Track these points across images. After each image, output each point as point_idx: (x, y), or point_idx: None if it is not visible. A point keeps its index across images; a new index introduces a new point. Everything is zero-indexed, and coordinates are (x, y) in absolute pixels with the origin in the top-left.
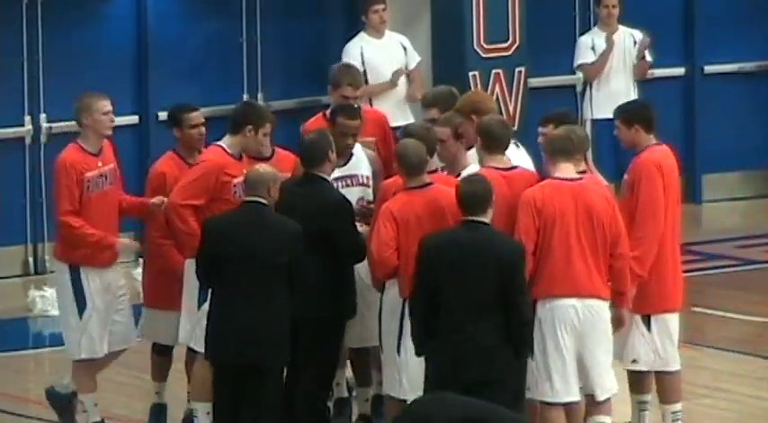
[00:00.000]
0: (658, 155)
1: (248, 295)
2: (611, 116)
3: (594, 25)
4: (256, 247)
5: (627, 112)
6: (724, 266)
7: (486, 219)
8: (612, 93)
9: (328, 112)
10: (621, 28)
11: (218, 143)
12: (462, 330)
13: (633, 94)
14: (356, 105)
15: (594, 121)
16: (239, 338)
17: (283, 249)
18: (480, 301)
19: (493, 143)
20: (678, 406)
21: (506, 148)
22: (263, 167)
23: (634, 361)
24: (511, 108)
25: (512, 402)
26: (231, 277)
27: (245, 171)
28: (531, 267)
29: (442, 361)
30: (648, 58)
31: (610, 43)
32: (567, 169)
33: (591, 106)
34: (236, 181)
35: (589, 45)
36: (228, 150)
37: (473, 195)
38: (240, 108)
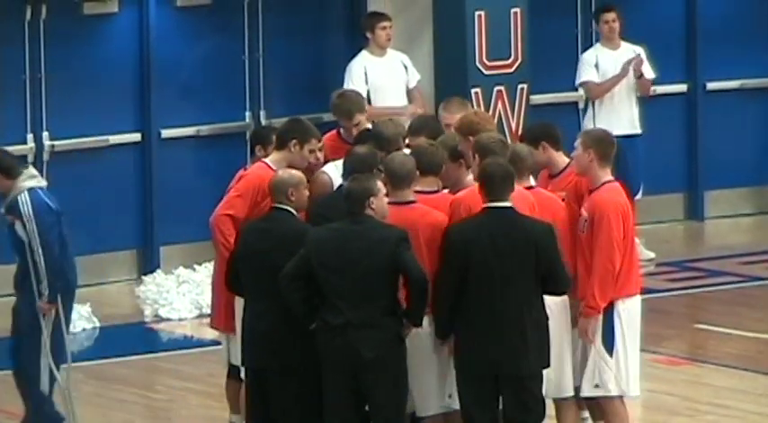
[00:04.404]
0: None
1: (256, 298)
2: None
3: (597, 42)
4: (256, 250)
5: (531, 133)
6: (727, 283)
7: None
8: (615, 110)
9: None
10: (624, 44)
11: (264, 160)
12: None
13: (635, 111)
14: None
15: None
16: (249, 340)
17: (282, 251)
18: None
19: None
20: None
21: None
22: (282, 172)
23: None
24: (513, 125)
25: None
26: (244, 281)
27: None
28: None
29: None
30: (651, 74)
31: (625, 70)
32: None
33: (594, 123)
34: None
35: (592, 62)
36: (273, 166)
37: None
38: (286, 124)
